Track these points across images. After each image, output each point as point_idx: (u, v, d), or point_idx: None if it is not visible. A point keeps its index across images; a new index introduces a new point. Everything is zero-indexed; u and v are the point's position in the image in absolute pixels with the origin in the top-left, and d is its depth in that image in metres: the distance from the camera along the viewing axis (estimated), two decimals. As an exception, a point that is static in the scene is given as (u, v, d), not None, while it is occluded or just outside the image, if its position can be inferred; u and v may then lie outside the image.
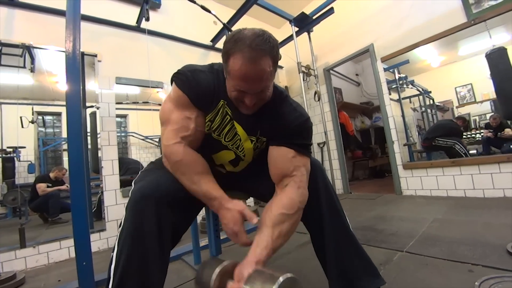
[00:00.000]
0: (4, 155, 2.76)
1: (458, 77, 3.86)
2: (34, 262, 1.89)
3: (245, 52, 0.67)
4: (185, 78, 0.80)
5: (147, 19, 2.32)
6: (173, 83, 0.82)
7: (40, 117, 3.13)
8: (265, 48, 0.68)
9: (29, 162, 3.08)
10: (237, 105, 0.80)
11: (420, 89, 4.10)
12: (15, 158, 2.84)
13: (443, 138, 3.11)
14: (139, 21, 2.58)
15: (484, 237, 1.37)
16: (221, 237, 1.41)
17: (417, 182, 2.69)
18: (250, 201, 3.05)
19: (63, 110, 2.05)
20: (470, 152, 3.14)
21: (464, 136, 3.58)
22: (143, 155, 3.89)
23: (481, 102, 3.72)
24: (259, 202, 2.86)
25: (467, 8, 2.36)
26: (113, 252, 0.71)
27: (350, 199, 2.99)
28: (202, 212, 2.34)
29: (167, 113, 0.81)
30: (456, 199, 2.33)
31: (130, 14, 2.63)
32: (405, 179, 2.79)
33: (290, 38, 3.34)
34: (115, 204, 2.26)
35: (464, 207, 2.05)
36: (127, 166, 3.15)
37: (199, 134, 0.83)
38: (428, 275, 1.08)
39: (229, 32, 2.75)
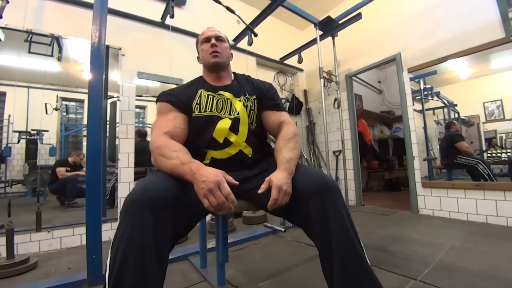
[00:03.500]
0: (28, 137, 2.88)
1: (488, 92, 3.62)
2: (47, 246, 1.97)
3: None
4: (164, 93, 1.06)
5: (172, 16, 2.32)
6: (157, 103, 1.05)
7: (64, 105, 3.23)
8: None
9: (51, 146, 3.19)
10: (208, 57, 1.09)
11: (446, 102, 3.91)
12: (38, 141, 2.96)
13: (465, 156, 2.95)
14: (163, 17, 2.59)
15: (506, 274, 1.27)
16: (229, 240, 1.40)
17: (436, 202, 2.57)
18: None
19: (85, 97, 2.11)
20: (494, 172, 2.97)
21: (489, 155, 3.39)
22: (158, 147, 3.94)
23: (511, 120, 3.50)
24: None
25: (505, 23, 2.20)
26: (107, 258, 0.69)
27: (363, 213, 2.90)
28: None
29: (154, 124, 1.01)
30: (476, 224, 2.21)
31: (155, 10, 2.65)
32: (423, 197, 2.67)
33: (313, 42, 3.27)
34: (128, 197, 2.31)
35: (485, 235, 1.93)
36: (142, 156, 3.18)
37: (179, 130, 0.98)
38: (442, 311, 1.01)
39: (252, 33, 2.72)
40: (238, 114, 1.04)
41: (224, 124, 1.01)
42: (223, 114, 1.03)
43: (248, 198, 1.03)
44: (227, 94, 1.08)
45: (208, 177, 0.73)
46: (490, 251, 1.60)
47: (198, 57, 1.21)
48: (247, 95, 1.10)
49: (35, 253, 1.89)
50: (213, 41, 1.10)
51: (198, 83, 1.12)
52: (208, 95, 1.06)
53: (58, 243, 2.01)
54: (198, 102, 1.03)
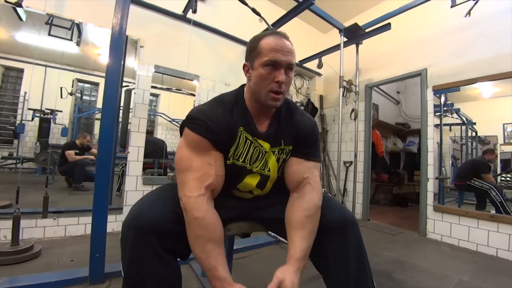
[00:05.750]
0: (42, 116, 2.91)
1: (509, 113, 3.49)
2: (52, 233, 1.99)
3: (275, 33, 0.82)
4: (202, 123, 0.79)
5: (194, 11, 2.26)
6: (187, 129, 0.81)
7: (78, 89, 3.23)
8: (288, 39, 0.83)
9: (63, 126, 3.21)
10: (265, 97, 0.81)
11: (465, 119, 3.77)
12: (51, 120, 2.98)
13: (480, 180, 2.85)
14: (185, 10, 2.53)
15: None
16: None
17: (446, 227, 2.49)
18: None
19: (101, 80, 2.05)
20: (506, 196, 2.87)
21: (502, 179, 3.27)
22: (167, 136, 3.95)
23: (531, 143, 3.35)
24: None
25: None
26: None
27: (368, 229, 2.84)
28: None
29: (187, 160, 0.79)
30: (485, 257, 2.13)
31: (177, 2, 2.57)
32: (433, 221, 2.59)
33: (335, 47, 3.16)
34: (135, 190, 2.31)
35: (495, 270, 1.85)
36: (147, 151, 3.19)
37: (220, 179, 0.83)
38: None
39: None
40: (269, 171, 0.92)
41: (252, 180, 0.91)
42: (255, 168, 0.90)
43: (258, 220, 1.02)
44: (265, 146, 0.89)
45: None
46: (500, 291, 1.54)
47: (245, 67, 0.87)
48: (283, 145, 0.91)
49: (39, 239, 1.91)
50: (282, 76, 0.79)
51: (239, 111, 0.87)
52: (246, 138, 0.87)
53: (63, 231, 2.03)
54: (236, 147, 0.86)
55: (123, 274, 0.72)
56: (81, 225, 2.10)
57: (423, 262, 1.96)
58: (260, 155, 0.89)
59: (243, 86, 0.92)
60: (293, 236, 0.80)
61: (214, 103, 0.86)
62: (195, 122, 0.79)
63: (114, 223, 2.22)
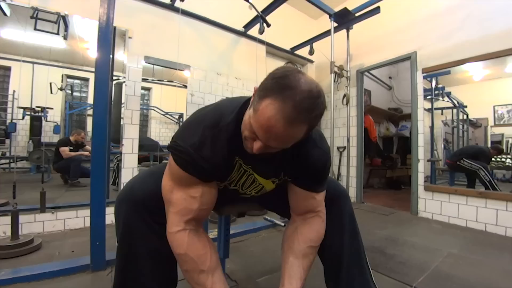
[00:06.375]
0: (33, 114, 2.88)
1: (499, 95, 3.55)
2: (51, 227, 2.01)
3: (286, 107, 0.54)
4: (191, 160, 0.67)
5: (182, 0, 2.24)
6: (173, 158, 0.70)
7: (68, 84, 3.20)
8: (310, 116, 0.57)
9: (55, 123, 3.19)
10: (244, 144, 0.68)
11: (456, 102, 3.83)
12: (43, 118, 2.96)
13: (469, 160, 2.93)
14: (173, -1, 2.50)
15: (500, 286, 1.29)
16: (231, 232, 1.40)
17: (436, 206, 2.58)
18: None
19: (91, 76, 2.03)
20: (496, 177, 2.96)
21: (493, 159, 3.36)
22: (161, 130, 3.94)
23: (521, 124, 3.42)
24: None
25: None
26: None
27: (362, 210, 2.92)
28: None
29: (168, 192, 0.72)
30: (474, 232, 2.22)
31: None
32: (424, 200, 2.68)
33: (326, 33, 3.16)
34: (130, 182, 2.33)
35: (483, 244, 1.94)
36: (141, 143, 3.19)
37: (204, 212, 0.76)
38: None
39: (264, 22, 2.63)
40: (266, 192, 0.89)
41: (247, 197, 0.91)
42: (249, 192, 0.86)
43: (261, 202, 1.07)
44: (260, 179, 0.82)
45: None
46: (486, 261, 1.62)
47: (254, 91, 0.64)
48: (282, 176, 0.82)
49: (39, 233, 1.93)
50: (261, 149, 0.63)
51: (238, 139, 0.69)
52: (240, 166, 0.78)
53: (62, 224, 2.05)
54: (231, 177, 0.80)
55: (117, 245, 0.77)
56: (80, 218, 2.12)
57: (414, 238, 2.04)
58: (254, 183, 0.83)
59: (246, 103, 0.72)
60: (295, 264, 0.79)
61: (208, 131, 0.68)
62: (183, 157, 0.68)
63: (113, 216, 2.24)
